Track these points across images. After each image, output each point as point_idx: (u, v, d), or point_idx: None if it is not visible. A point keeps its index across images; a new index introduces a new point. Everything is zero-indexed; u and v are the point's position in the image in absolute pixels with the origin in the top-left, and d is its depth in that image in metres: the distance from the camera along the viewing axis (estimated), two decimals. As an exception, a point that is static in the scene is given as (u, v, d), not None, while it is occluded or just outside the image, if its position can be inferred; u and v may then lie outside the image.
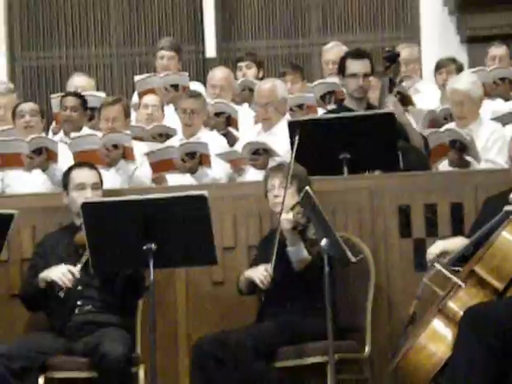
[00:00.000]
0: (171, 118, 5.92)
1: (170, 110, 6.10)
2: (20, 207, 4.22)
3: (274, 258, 3.98)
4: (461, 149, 4.87)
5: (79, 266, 4.04)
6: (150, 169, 5.12)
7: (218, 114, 5.75)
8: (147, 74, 6.52)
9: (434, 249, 3.72)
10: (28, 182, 5.19)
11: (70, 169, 4.34)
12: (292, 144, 4.64)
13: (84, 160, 4.76)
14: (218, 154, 5.20)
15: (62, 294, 4.00)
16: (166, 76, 6.22)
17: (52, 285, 4.02)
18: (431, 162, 5.08)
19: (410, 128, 4.99)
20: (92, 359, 3.92)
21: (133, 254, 3.83)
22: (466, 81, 5.30)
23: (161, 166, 5.11)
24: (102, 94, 6.30)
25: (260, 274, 3.99)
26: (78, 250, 4.13)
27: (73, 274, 4.01)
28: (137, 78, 6.45)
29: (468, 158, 4.90)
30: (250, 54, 6.84)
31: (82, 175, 4.25)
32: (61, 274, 4.01)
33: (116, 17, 8.15)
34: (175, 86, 6.10)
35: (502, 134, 5.24)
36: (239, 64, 6.60)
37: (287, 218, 3.93)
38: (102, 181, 4.31)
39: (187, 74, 6.42)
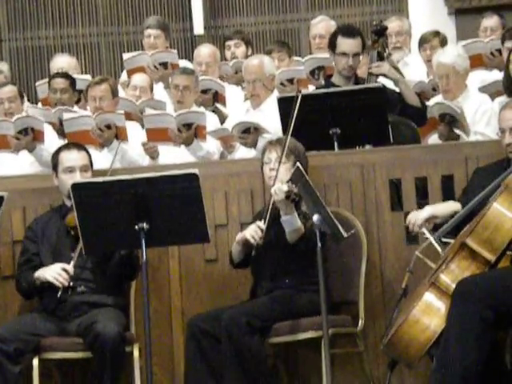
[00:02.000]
0: (161, 96, 5.89)
1: (159, 87, 6.08)
2: (10, 189, 4.20)
3: (267, 217, 3.95)
4: (450, 122, 4.88)
5: (72, 263, 4.03)
6: (145, 135, 5.10)
7: (204, 91, 5.73)
8: (136, 52, 6.48)
9: (422, 214, 3.72)
10: (15, 164, 5.17)
11: (59, 150, 4.31)
12: (283, 119, 4.63)
13: (77, 141, 4.75)
14: (208, 132, 5.18)
15: (59, 295, 4.00)
16: (155, 54, 6.19)
17: (48, 284, 4.02)
18: (421, 136, 5.08)
19: (403, 86, 4.95)
20: (86, 339, 3.92)
21: (125, 234, 3.83)
22: (451, 54, 5.30)
23: (156, 135, 5.08)
24: (88, 77, 6.27)
25: (251, 229, 3.99)
26: (70, 231, 4.12)
27: (67, 271, 4.00)
28: (126, 56, 6.41)
29: (457, 131, 4.91)
30: (238, 32, 6.80)
31: (71, 157, 4.21)
32: (55, 274, 4.00)
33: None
34: (164, 64, 6.07)
35: (490, 105, 5.25)
36: (227, 43, 6.55)
37: (281, 187, 3.92)
38: (91, 162, 4.29)
39: (176, 51, 6.38)
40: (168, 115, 5.16)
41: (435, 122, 4.97)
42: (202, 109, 5.55)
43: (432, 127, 5.00)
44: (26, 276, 4.13)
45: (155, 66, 6.08)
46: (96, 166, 4.56)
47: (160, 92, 5.97)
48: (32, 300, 4.25)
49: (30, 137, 5.05)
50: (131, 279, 4.19)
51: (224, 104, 5.80)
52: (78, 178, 4.13)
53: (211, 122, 5.42)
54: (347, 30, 5.01)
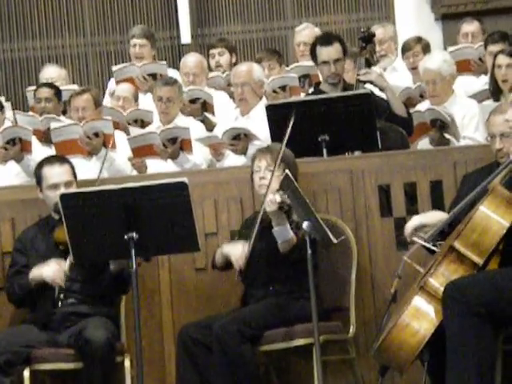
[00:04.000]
0: (150, 107, 5.88)
1: (147, 98, 6.07)
2: (-2, 200, 4.19)
3: (253, 238, 3.97)
4: (441, 127, 4.90)
5: (68, 263, 4.01)
6: (131, 153, 5.11)
7: (192, 101, 5.73)
8: (125, 64, 6.49)
9: (411, 223, 3.73)
10: (1, 174, 5.15)
11: (41, 165, 4.26)
12: (271, 127, 4.64)
13: (65, 150, 4.73)
14: (198, 139, 5.19)
15: (56, 294, 4.00)
16: (144, 65, 6.20)
17: (45, 283, 4.00)
18: (412, 141, 5.10)
19: (391, 94, 4.98)
20: (76, 347, 3.91)
21: (114, 244, 3.82)
22: (437, 59, 5.34)
23: (142, 151, 5.11)
24: (74, 87, 6.27)
25: (237, 252, 3.98)
26: (58, 246, 4.11)
27: (64, 272, 3.99)
28: (114, 68, 6.42)
29: (448, 137, 4.93)
30: (222, 39, 6.80)
31: (54, 173, 4.17)
32: (52, 273, 3.99)
33: (89, 5, 8.09)
34: (153, 75, 6.08)
35: (477, 110, 5.27)
36: (211, 51, 6.54)
37: (273, 198, 3.92)
38: (75, 174, 4.26)
39: (165, 62, 6.39)
40: (151, 133, 5.17)
41: (427, 128, 5.00)
42: (187, 119, 5.55)
43: (423, 132, 5.02)
44: (20, 282, 4.11)
45: (144, 77, 6.08)
46: (85, 175, 4.56)
47: (149, 102, 5.96)
48: (23, 312, 4.23)
49: (17, 147, 5.04)
50: (123, 293, 4.18)
51: (213, 113, 5.80)
52: (62, 192, 4.09)
53: (197, 130, 5.42)
54: (324, 39, 5.05)
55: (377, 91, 5.09)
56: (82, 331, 3.90)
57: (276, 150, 4.15)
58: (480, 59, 5.90)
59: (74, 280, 4.10)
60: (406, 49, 6.27)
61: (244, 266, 3.99)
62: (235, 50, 6.64)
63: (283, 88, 5.71)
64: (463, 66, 5.81)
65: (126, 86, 6.00)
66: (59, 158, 4.33)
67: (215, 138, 5.24)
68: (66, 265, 4.01)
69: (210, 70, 6.45)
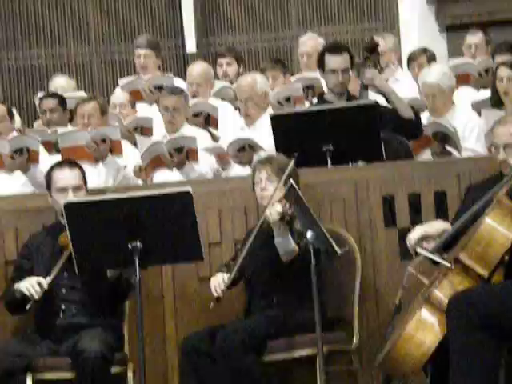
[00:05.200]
0: (156, 118, 5.88)
1: (154, 108, 6.07)
2: (2, 209, 4.19)
3: (242, 256, 3.95)
4: (442, 139, 4.91)
5: (49, 279, 4.00)
6: (139, 174, 5.13)
7: (196, 115, 5.72)
8: (131, 78, 6.50)
9: (414, 234, 3.72)
10: (7, 184, 5.15)
11: (51, 169, 4.29)
12: (276, 137, 4.64)
13: (71, 156, 4.74)
14: (204, 149, 5.20)
15: (28, 307, 3.98)
16: (151, 78, 6.21)
17: (25, 296, 4.00)
18: (414, 153, 5.09)
19: (394, 97, 4.95)
20: (71, 358, 3.91)
21: (118, 253, 3.81)
22: (436, 73, 5.36)
23: (151, 165, 5.13)
24: (83, 94, 6.29)
25: (216, 281, 3.99)
26: (63, 250, 4.11)
27: (41, 286, 3.98)
28: (121, 81, 6.44)
29: (449, 149, 4.93)
30: (230, 49, 6.81)
31: (64, 177, 4.18)
32: (29, 285, 3.98)
33: (94, 14, 8.11)
34: (160, 88, 6.08)
35: (478, 121, 5.29)
36: (219, 60, 6.56)
37: (275, 208, 3.92)
38: (85, 179, 4.27)
39: (172, 75, 6.40)
40: (157, 143, 5.17)
41: (428, 140, 5.00)
42: (193, 129, 5.55)
43: (425, 144, 5.03)
44: (10, 289, 4.12)
45: (151, 90, 6.09)
46: (91, 181, 4.57)
47: (155, 113, 5.96)
48: (25, 322, 4.22)
49: (25, 157, 5.04)
50: (122, 301, 4.17)
51: (216, 126, 5.80)
52: (70, 197, 4.11)
53: (204, 139, 5.43)
54: (334, 48, 5.04)
55: (382, 100, 5.09)
56: (77, 342, 3.90)
57: (276, 160, 4.14)
58: (480, 74, 5.91)
59: (74, 289, 4.10)
60: (411, 59, 6.29)
61: (221, 294, 3.96)
62: (243, 60, 6.64)
63: (288, 99, 5.72)
64: (462, 79, 5.83)
65: (121, 94, 6.01)
66: (70, 163, 4.32)
67: (220, 149, 5.25)
68: (45, 282, 3.99)
69: (217, 78, 6.46)
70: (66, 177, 4.19)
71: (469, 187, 4.01)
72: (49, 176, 4.25)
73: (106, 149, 5.13)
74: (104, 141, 5.12)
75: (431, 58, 6.24)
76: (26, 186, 5.16)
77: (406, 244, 3.78)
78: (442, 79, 5.30)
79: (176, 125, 5.47)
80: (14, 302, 4.09)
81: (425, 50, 6.32)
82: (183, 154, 5.06)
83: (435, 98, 5.30)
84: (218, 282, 3.99)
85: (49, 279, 4.00)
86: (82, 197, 4.12)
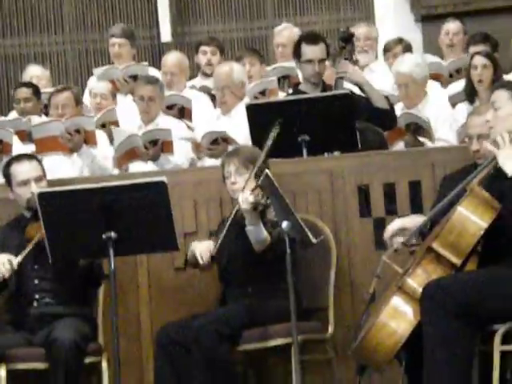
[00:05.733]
0: (130, 108, 5.85)
1: (128, 99, 6.04)
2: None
3: (222, 234, 3.95)
4: (415, 130, 4.94)
5: (20, 258, 3.98)
6: (115, 164, 5.11)
7: (170, 107, 5.70)
8: (106, 67, 6.46)
9: (392, 226, 3.74)
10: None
11: (9, 164, 4.24)
12: (251, 127, 4.63)
13: (46, 147, 4.70)
14: (180, 138, 5.19)
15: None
16: (126, 67, 6.17)
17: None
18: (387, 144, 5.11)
19: (368, 88, 4.96)
20: (45, 348, 3.90)
21: (92, 243, 3.80)
22: (409, 63, 5.39)
23: (125, 157, 5.11)
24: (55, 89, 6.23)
25: (202, 247, 3.98)
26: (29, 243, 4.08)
27: (11, 264, 3.95)
28: (95, 70, 6.40)
29: (422, 139, 4.96)
30: (213, 38, 6.76)
31: (23, 170, 4.15)
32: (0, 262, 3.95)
33: (68, 3, 8.04)
34: (134, 77, 6.05)
35: (450, 111, 5.32)
36: (203, 48, 6.48)
37: (246, 197, 3.91)
38: (43, 169, 4.23)
39: (146, 63, 6.37)
40: (132, 136, 5.15)
41: (401, 132, 5.03)
42: (168, 118, 5.53)
43: (398, 136, 5.05)
44: None
45: (125, 80, 6.06)
46: (66, 172, 4.53)
47: (130, 104, 5.94)
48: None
49: None
50: (95, 287, 4.15)
51: (190, 118, 5.78)
52: (34, 189, 4.08)
53: (179, 129, 5.41)
54: (310, 37, 5.03)
55: (356, 90, 5.10)
56: (50, 332, 3.89)
57: (243, 152, 4.14)
58: (451, 75, 5.93)
59: (46, 279, 4.09)
60: (386, 50, 6.30)
61: (208, 260, 3.97)
62: (223, 51, 6.63)
63: (263, 92, 5.71)
64: (434, 77, 5.85)
65: (103, 84, 5.97)
66: (26, 155, 4.31)
67: (195, 140, 5.24)
68: (15, 260, 3.96)
69: (197, 66, 6.42)
70: (27, 169, 4.15)
71: (444, 177, 4.04)
72: (7, 171, 4.21)
73: (80, 139, 5.11)
74: (78, 131, 5.09)
75: (407, 49, 6.26)
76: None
77: (383, 233, 3.80)
78: (416, 69, 5.33)
79: (151, 114, 5.45)
80: None
81: (400, 40, 6.34)
82: (158, 147, 5.05)
83: (408, 87, 5.33)
84: (204, 249, 3.97)
85: (19, 258, 3.97)
86: (44, 187, 4.09)
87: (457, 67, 5.94)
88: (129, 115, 5.72)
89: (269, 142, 4.09)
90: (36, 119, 5.46)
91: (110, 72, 6.21)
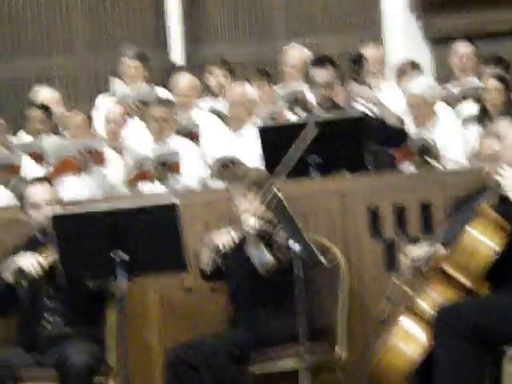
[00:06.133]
0: (138, 129, 5.87)
1: (135, 120, 6.06)
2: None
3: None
4: (423, 151, 4.95)
5: (47, 261, 3.98)
6: (126, 184, 5.16)
7: (177, 132, 5.71)
8: (119, 86, 6.48)
9: (417, 254, 3.70)
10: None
11: (24, 185, 4.29)
12: (265, 150, 4.66)
13: (62, 169, 4.72)
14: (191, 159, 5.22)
15: (21, 295, 3.95)
16: (137, 93, 6.18)
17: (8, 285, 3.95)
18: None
19: (381, 107, 5.02)
20: (57, 369, 3.89)
21: (104, 264, 3.80)
22: (421, 85, 5.43)
23: (135, 178, 5.16)
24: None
25: (223, 237, 3.95)
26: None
27: (41, 265, 3.96)
28: (103, 95, 6.43)
29: (430, 161, 4.97)
30: (224, 61, 6.79)
31: (36, 193, 4.19)
32: (30, 262, 3.95)
33: (79, 25, 8.10)
34: (145, 102, 6.06)
35: (461, 132, 5.34)
36: (213, 69, 6.50)
37: (249, 222, 3.92)
38: (57, 193, 4.28)
39: (156, 89, 6.37)
40: (142, 159, 5.19)
41: (409, 152, 5.04)
42: (180, 139, 5.54)
43: (405, 156, 5.07)
44: None
45: (136, 105, 6.07)
46: (76, 192, 4.55)
47: (137, 124, 5.96)
48: (8, 333, 4.19)
49: (8, 172, 5.04)
50: (102, 304, 4.15)
51: (197, 142, 5.79)
52: (46, 212, 4.10)
53: (191, 150, 5.43)
54: (318, 61, 5.09)
55: (368, 111, 5.12)
56: (62, 353, 3.89)
57: (248, 175, 4.15)
58: (459, 99, 5.91)
59: (55, 298, 4.10)
60: (401, 72, 6.30)
61: (227, 247, 3.92)
62: (234, 74, 6.65)
63: (272, 117, 5.72)
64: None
65: (115, 109, 5.99)
66: (40, 178, 4.37)
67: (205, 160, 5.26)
68: (45, 263, 3.96)
69: (207, 87, 6.45)
70: (39, 192, 4.19)
71: (455, 199, 4.04)
72: (22, 194, 4.25)
73: (92, 160, 5.17)
74: (90, 152, 5.16)
75: (420, 72, 6.28)
76: (9, 198, 5.14)
77: (393, 254, 3.79)
78: (427, 91, 5.39)
79: (164, 135, 5.47)
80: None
81: (414, 64, 6.36)
82: (166, 168, 5.09)
83: (419, 108, 5.37)
84: (227, 238, 3.93)
85: (48, 260, 3.96)
86: (57, 210, 4.10)
87: (464, 94, 5.91)
88: (139, 137, 5.74)
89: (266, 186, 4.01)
90: (48, 140, 5.51)
91: (123, 98, 6.21)
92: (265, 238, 3.98)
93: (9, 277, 3.99)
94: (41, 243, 4.11)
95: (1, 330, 4.26)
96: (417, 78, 5.72)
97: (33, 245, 4.20)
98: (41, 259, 3.98)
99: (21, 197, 4.26)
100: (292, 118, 5.75)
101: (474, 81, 6.02)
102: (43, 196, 4.18)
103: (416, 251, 3.72)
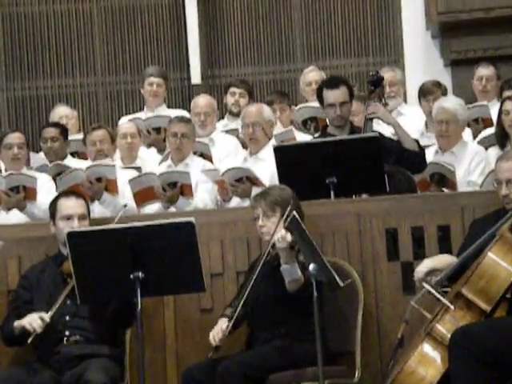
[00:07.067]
0: (154, 160, 5.86)
1: (151, 151, 6.05)
2: (5, 238, 4.19)
3: (246, 292, 3.92)
4: (439, 181, 4.92)
5: (51, 313, 4.00)
6: (133, 200, 5.10)
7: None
8: (130, 117, 6.51)
9: (422, 267, 3.71)
10: (4, 220, 5.07)
11: (57, 198, 4.32)
12: (280, 169, 4.64)
13: None
14: (202, 171, 5.18)
15: (29, 340, 3.97)
16: (149, 119, 6.20)
17: (24, 332, 3.99)
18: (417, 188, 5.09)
19: (399, 130, 4.98)
20: None
21: (120, 283, 3.80)
22: (453, 101, 5.38)
23: (143, 195, 5.08)
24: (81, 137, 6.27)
25: (216, 330, 3.97)
26: (66, 279, 4.10)
27: (42, 319, 3.98)
28: (121, 120, 6.46)
29: (446, 191, 4.93)
30: (243, 82, 6.82)
31: (69, 205, 4.22)
32: (31, 320, 3.98)
33: (100, 45, 8.16)
34: (157, 129, 6.08)
35: (484, 156, 5.29)
36: (232, 89, 6.54)
37: (285, 236, 3.90)
38: (89, 210, 4.29)
39: (170, 116, 6.39)
40: (151, 174, 5.14)
41: (428, 184, 5.00)
42: (198, 159, 5.54)
43: (425, 188, 5.02)
44: (9, 324, 4.10)
45: (148, 131, 6.09)
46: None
47: (153, 156, 5.97)
48: (26, 351, 4.20)
49: (21, 195, 5.00)
50: (126, 328, 4.15)
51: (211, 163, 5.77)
52: (75, 225, 4.14)
53: (201, 165, 5.41)
54: (330, 82, 5.08)
55: (386, 132, 5.10)
56: (82, 374, 3.88)
57: (269, 194, 4.13)
58: (468, 124, 5.86)
59: (77, 316, 4.09)
60: (426, 92, 6.26)
61: (219, 344, 3.93)
62: (252, 95, 6.68)
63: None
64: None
65: (130, 125, 6.01)
66: (75, 193, 4.39)
67: (217, 173, 5.19)
68: (47, 316, 3.99)
69: (225, 107, 6.47)
70: (73, 205, 4.21)
71: (473, 221, 4.01)
72: (54, 205, 4.27)
73: (100, 187, 5.07)
74: (99, 180, 5.08)
75: (445, 93, 6.28)
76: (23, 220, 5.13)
77: (411, 277, 3.76)
78: (459, 109, 5.32)
79: (183, 152, 5.45)
80: (11, 337, 4.08)
81: (439, 84, 6.33)
82: (176, 189, 5.01)
83: (448, 125, 5.28)
84: (217, 330, 3.97)
85: (51, 313, 4.00)
86: (86, 226, 4.13)
87: (475, 116, 5.88)
88: (152, 165, 5.72)
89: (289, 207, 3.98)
90: (61, 163, 5.51)
91: (134, 122, 6.22)
92: (296, 253, 3.95)
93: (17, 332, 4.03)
94: (65, 256, 4.11)
95: (20, 348, 4.25)
96: (448, 97, 5.67)
97: (56, 259, 4.20)
98: (44, 315, 3.98)
99: (52, 207, 4.22)
100: (307, 137, 5.76)
101: (495, 104, 5.99)
102: (76, 209, 4.19)
103: (424, 264, 3.69)
